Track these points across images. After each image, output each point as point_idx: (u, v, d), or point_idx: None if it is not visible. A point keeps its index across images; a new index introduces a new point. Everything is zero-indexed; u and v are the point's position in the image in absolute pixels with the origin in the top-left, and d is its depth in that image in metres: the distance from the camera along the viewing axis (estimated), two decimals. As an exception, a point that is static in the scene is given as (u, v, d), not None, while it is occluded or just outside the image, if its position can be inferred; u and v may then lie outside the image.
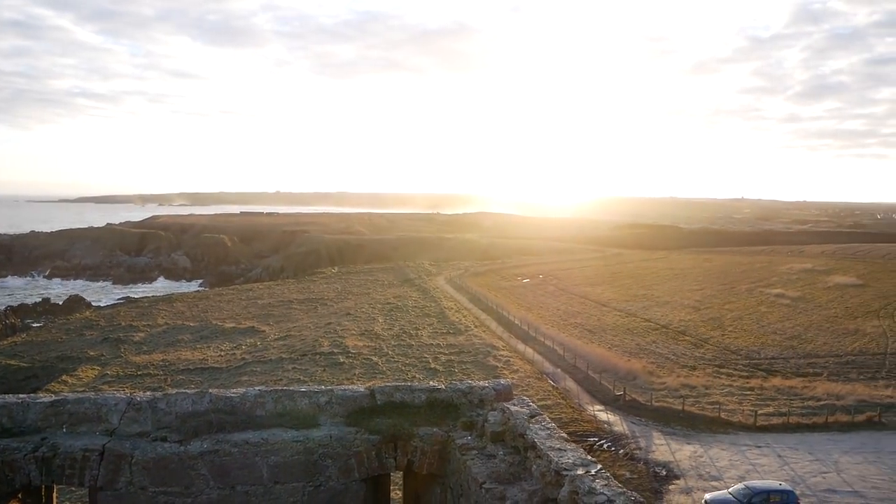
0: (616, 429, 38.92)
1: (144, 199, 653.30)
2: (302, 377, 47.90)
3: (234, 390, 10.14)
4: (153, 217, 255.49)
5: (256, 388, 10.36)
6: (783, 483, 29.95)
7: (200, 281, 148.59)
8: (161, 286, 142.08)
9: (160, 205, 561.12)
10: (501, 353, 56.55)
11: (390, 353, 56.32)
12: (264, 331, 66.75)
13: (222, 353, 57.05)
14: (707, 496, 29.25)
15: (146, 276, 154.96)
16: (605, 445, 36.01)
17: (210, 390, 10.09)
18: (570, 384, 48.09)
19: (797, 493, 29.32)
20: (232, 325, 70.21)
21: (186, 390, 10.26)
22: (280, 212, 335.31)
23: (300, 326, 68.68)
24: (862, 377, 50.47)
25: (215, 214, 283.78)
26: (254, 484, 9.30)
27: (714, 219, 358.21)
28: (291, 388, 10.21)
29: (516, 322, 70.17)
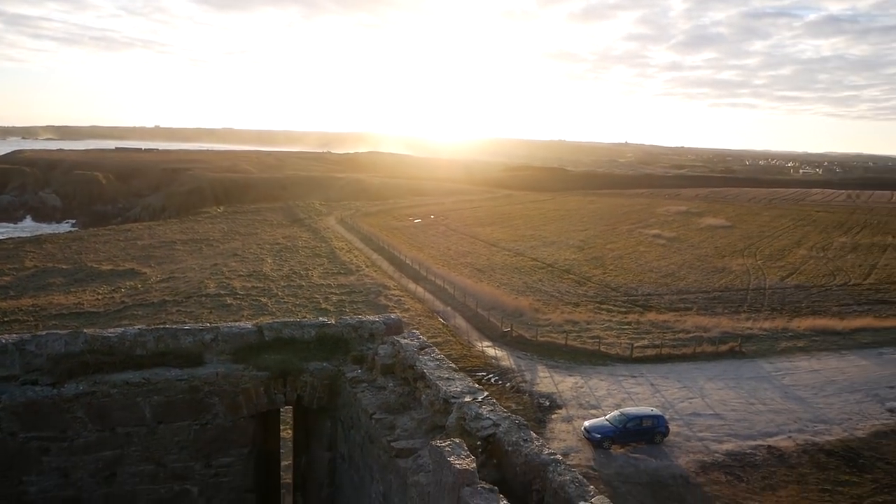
0: (503, 363, 40.31)
1: (5, 132, 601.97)
2: (187, 319, 46.47)
3: (112, 330, 9.68)
4: (16, 151, 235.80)
5: (136, 327, 9.95)
6: (654, 409, 32.18)
7: (73, 221, 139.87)
8: (28, 226, 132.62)
9: (23, 138, 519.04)
10: (393, 292, 56.88)
11: (280, 293, 55.47)
12: (145, 273, 63.95)
13: (100, 297, 54.33)
14: (586, 423, 31.01)
15: (10, 216, 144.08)
16: (492, 379, 37.28)
17: (85, 330, 9.60)
18: (460, 322, 49.17)
19: (666, 417, 31.62)
20: (109, 267, 66.78)
21: (59, 331, 9.71)
22: (160, 148, 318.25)
23: (184, 268, 66.26)
24: (727, 311, 54.42)
25: (88, 150, 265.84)
26: (136, 425, 9.02)
27: (600, 162, 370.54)
28: (174, 327, 9.87)
29: (408, 262, 70.58)
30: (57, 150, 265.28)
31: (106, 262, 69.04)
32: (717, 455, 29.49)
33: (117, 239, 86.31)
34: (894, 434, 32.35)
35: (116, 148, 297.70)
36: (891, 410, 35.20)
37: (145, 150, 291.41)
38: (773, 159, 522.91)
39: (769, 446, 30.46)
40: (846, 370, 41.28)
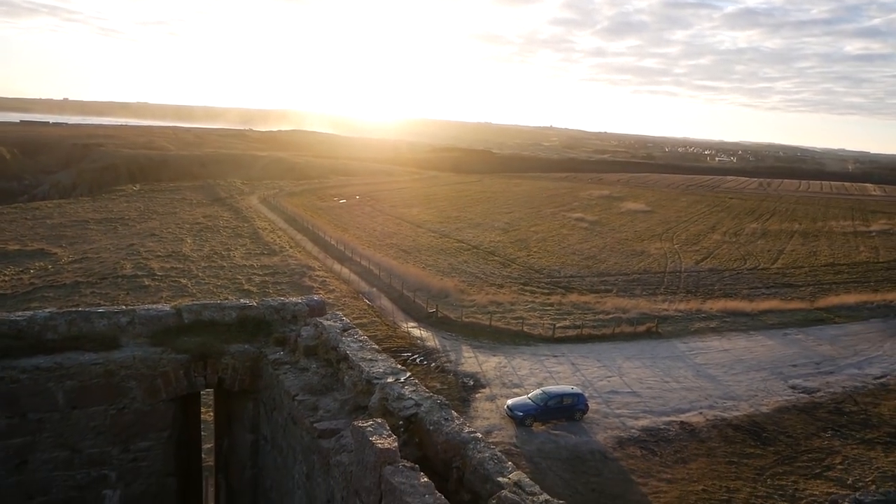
0: (428, 344, 40.63)
1: None
2: (102, 301, 44.83)
3: (20, 313, 9.31)
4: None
5: (47, 310, 9.59)
6: (575, 387, 33.16)
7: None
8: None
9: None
10: (317, 273, 56.36)
11: (200, 274, 54.12)
12: (56, 253, 61.17)
13: (6, 279, 51.74)
14: (509, 402, 31.67)
15: None
16: (417, 360, 37.55)
17: (-8, 313, 9.19)
18: (386, 303, 49.20)
19: (586, 395, 32.63)
20: (17, 247, 63.54)
21: (-38, 314, 9.26)
22: (70, 122, 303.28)
23: (98, 248, 63.72)
24: (645, 293, 56.34)
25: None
26: (48, 410, 8.73)
27: (525, 145, 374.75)
28: (88, 310, 9.57)
29: (333, 243, 69.98)
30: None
31: (12, 242, 65.66)
32: (633, 431, 30.66)
33: (24, 218, 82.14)
34: (795, 409, 34.37)
35: (21, 121, 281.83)
36: (793, 387, 37.34)
37: (53, 124, 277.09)
38: (691, 147, 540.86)
39: (682, 422, 31.87)
40: (753, 350, 43.48)
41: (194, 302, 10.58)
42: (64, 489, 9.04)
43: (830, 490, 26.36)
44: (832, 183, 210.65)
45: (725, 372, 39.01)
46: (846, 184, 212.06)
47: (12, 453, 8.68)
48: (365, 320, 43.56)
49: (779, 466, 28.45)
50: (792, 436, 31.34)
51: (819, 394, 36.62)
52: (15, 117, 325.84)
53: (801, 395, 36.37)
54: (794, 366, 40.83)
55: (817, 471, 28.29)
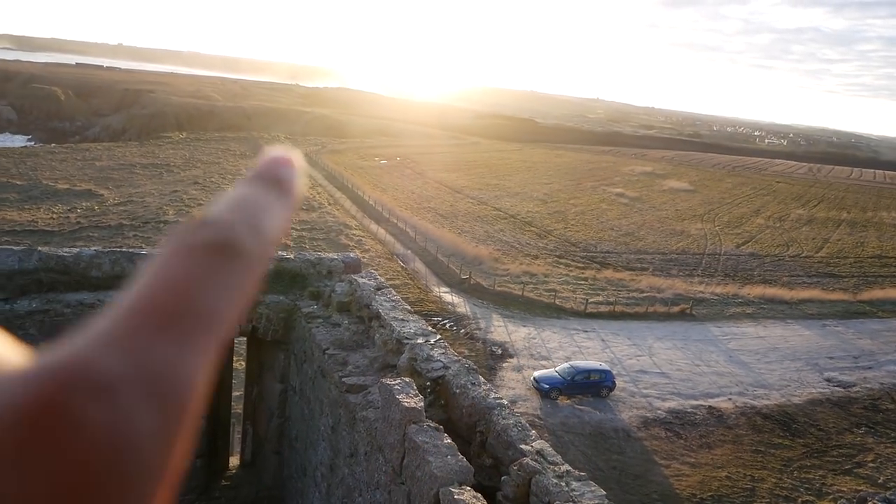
0: (459, 310, 40.77)
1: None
2: (143, 245, 45.85)
3: (67, 249, 9.55)
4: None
5: (92, 248, 9.82)
6: (603, 364, 33.05)
7: (28, 136, 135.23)
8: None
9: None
10: (354, 232, 56.73)
11: (240, 225, 54.85)
12: (103, 195, 62.55)
13: (55, 216, 53.13)
14: (536, 373, 31.73)
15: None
16: (447, 325, 37.74)
17: (39, 248, 9.44)
18: (419, 266, 49.39)
19: (614, 372, 32.51)
20: (66, 186, 65.13)
21: (12, 247, 9.53)
22: (122, 67, 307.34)
23: (143, 192, 64.96)
24: (681, 273, 55.60)
25: (47, 63, 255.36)
26: (87, 345, 8.98)
27: (570, 116, 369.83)
28: (131, 250, 9.77)
29: (371, 202, 70.25)
30: (14, 60, 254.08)
31: (62, 181, 67.31)
32: (659, 412, 30.54)
33: (75, 158, 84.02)
34: (829, 403, 33.83)
35: (77, 64, 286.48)
36: (828, 380, 36.72)
37: (107, 67, 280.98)
38: (740, 127, 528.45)
39: (710, 406, 31.63)
40: (790, 339, 42.76)
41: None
42: (99, 423, 9.34)
43: (859, 487, 26.02)
44: (886, 172, 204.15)
45: (759, 359, 38.49)
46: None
47: (52, 385, 8.98)
48: (398, 282, 43.81)
49: (807, 459, 28.15)
50: (823, 429, 30.92)
51: (855, 389, 35.96)
52: (72, 60, 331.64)
53: (836, 388, 35.76)
54: (831, 358, 40.11)
55: (847, 467, 27.92)
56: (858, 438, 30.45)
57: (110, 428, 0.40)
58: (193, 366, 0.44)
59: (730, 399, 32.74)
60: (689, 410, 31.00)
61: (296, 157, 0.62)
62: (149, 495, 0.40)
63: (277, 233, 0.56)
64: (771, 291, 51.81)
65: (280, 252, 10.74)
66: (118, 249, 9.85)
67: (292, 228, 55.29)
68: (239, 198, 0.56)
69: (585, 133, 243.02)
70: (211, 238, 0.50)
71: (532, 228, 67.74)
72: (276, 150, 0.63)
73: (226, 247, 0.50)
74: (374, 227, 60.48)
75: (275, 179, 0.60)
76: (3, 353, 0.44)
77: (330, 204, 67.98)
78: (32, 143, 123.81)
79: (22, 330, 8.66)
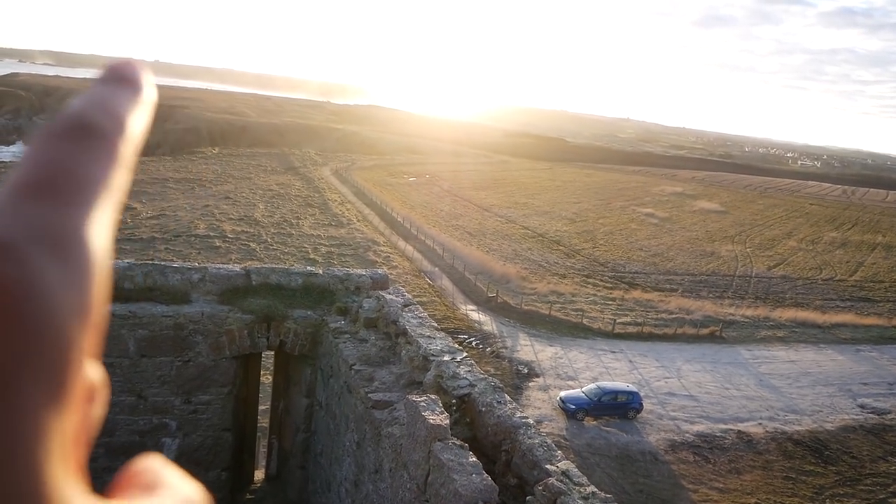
0: (486, 328, 40.65)
1: (2, 54, 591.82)
2: (175, 258, 46.49)
3: (101, 261, 9.73)
4: (12, 74, 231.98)
5: (125, 260, 9.99)
6: (630, 385, 32.66)
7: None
8: (20, 152, 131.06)
9: (20, 61, 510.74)
10: (382, 248, 56.98)
11: (269, 240, 55.46)
12: (136, 208, 63.66)
13: (88, 228, 54.13)
14: (562, 393, 31.46)
15: (2, 140, 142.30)
16: (473, 343, 37.64)
17: (74, 259, 9.63)
18: (447, 283, 49.41)
19: (642, 394, 32.11)
20: (100, 199, 66.40)
21: (47, 258, 9.73)
22: (158, 83, 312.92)
23: (175, 206, 66.00)
24: (711, 295, 54.90)
25: (85, 79, 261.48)
26: (119, 356, 9.12)
27: (600, 136, 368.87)
28: (163, 263, 9.93)
29: (399, 219, 70.57)
30: (54, 76, 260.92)
31: (97, 194, 68.61)
32: (687, 435, 30.06)
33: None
34: (863, 430, 33.04)
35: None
36: (862, 406, 35.88)
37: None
38: (772, 148, 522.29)
39: (739, 431, 31.06)
40: (822, 363, 41.92)
41: (262, 265, 10.84)
42: (127, 433, 9.46)
43: (891, 516, 25.34)
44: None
45: (790, 384, 37.77)
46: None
47: (83, 394, 9.12)
48: (425, 299, 43.85)
49: (839, 487, 27.47)
50: (857, 457, 30.17)
51: (890, 416, 35.08)
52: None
53: (870, 415, 34.91)
54: (865, 384, 39.20)
55: (882, 496, 27.20)
56: (894, 467, 29.65)
57: (25, 281, 0.43)
58: (84, 226, 0.48)
59: (760, 424, 32.12)
60: (717, 434, 30.47)
61: (139, 64, 0.68)
62: (70, 340, 0.43)
63: (130, 116, 0.61)
64: (803, 315, 50.90)
65: (309, 267, 10.83)
66: (150, 262, 10.02)
67: (321, 244, 55.75)
68: (91, 93, 0.60)
69: (615, 152, 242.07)
70: (70, 123, 0.54)
71: (560, 247, 67.49)
72: (121, 60, 0.68)
73: (84, 127, 0.54)
74: (402, 243, 60.70)
75: (121, 77, 0.65)
76: None
77: (359, 220, 68.43)
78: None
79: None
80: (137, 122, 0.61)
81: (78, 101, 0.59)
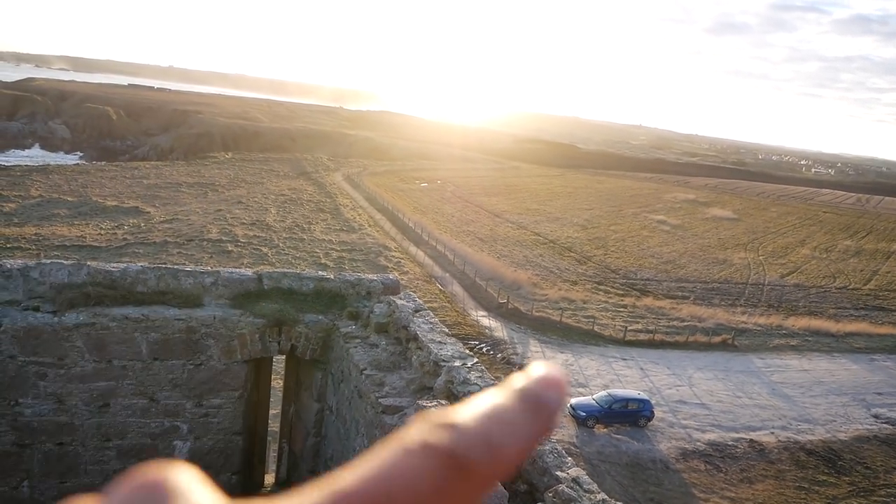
0: (496, 334, 40.60)
1: (19, 59, 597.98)
2: (187, 262, 46.72)
3: (114, 264, 9.81)
4: (28, 79, 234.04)
5: (139, 264, 10.07)
6: (641, 393, 32.50)
7: (80, 154, 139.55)
8: (36, 155, 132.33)
9: (37, 66, 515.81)
10: (393, 253, 57.06)
11: (281, 245, 55.66)
12: (149, 212, 64.10)
13: (102, 232, 54.56)
14: (572, 401, 31.33)
15: (19, 143, 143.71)
16: (484, 349, 37.60)
17: (88, 263, 9.72)
18: (458, 289, 49.40)
19: (653, 402, 31.94)
20: (114, 203, 66.95)
21: (62, 261, 9.84)
22: (172, 88, 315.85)
23: (188, 211, 66.39)
24: (723, 303, 54.60)
25: (100, 84, 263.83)
26: (132, 359, 9.19)
27: (611, 142, 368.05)
28: (176, 267, 10.00)
29: (411, 225, 70.66)
30: (69, 80, 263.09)
31: (111, 198, 69.21)
32: (698, 444, 29.88)
33: (124, 176, 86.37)
34: (876, 440, 32.72)
35: (129, 84, 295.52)
36: (876, 416, 35.54)
37: (158, 88, 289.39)
38: (786, 156, 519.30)
39: (751, 440, 30.84)
40: (836, 373, 41.57)
41: (274, 270, 10.90)
42: (138, 435, 9.52)
43: (906, 528, 25.05)
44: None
45: (803, 393, 37.46)
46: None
47: (97, 396, 9.20)
48: (436, 304, 43.85)
49: (853, 498, 27.21)
50: (871, 467, 29.87)
51: (903, 426, 34.74)
52: (124, 80, 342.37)
53: (885, 425, 34.56)
54: (880, 394, 38.83)
55: (894, 507, 26.94)
56: (908, 479, 29.34)
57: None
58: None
59: (772, 433, 31.88)
60: (729, 443, 30.26)
61: (563, 377, 0.60)
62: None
63: (516, 455, 0.54)
64: (816, 323, 50.50)
65: (320, 272, 10.87)
66: (163, 266, 10.09)
67: (332, 249, 55.89)
68: (490, 409, 0.56)
69: (627, 159, 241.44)
70: (444, 445, 0.51)
71: (571, 254, 67.34)
72: (545, 368, 0.59)
73: (454, 458, 0.50)
74: (413, 249, 60.76)
75: (535, 400, 0.57)
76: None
77: (370, 225, 68.58)
78: (84, 160, 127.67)
79: (69, 342, 8.90)
80: (519, 459, 0.56)
81: (470, 411, 0.56)
